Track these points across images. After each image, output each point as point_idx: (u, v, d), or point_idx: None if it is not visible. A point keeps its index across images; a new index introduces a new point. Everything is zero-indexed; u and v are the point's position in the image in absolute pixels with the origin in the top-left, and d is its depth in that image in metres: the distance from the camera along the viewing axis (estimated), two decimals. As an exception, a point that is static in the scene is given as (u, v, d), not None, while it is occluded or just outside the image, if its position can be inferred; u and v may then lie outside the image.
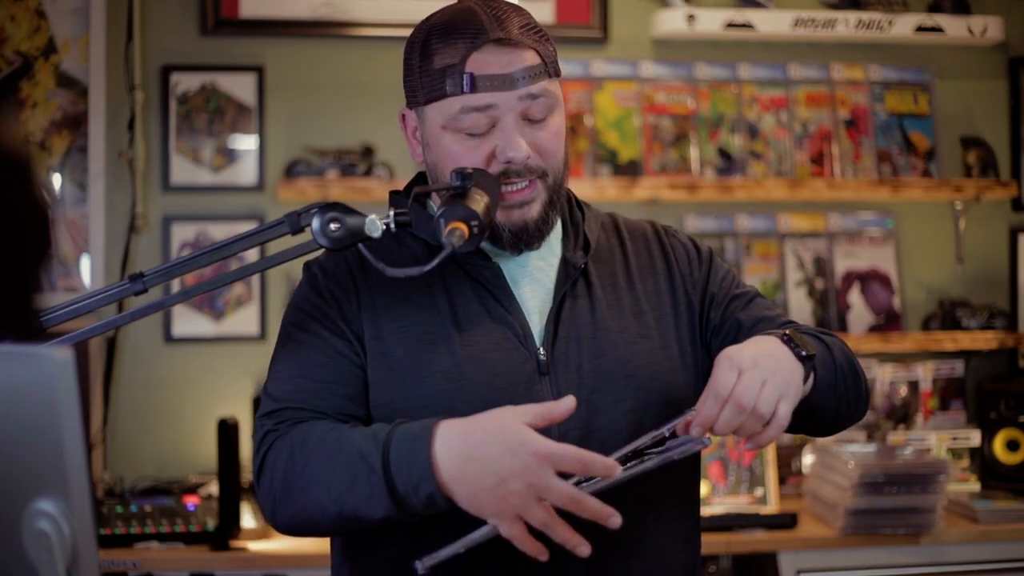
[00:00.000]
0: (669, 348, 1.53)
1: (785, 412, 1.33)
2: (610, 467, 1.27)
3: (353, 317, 1.49)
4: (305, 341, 1.49)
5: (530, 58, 1.46)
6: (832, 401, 1.48)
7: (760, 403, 1.31)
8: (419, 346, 1.46)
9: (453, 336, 1.47)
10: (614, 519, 1.26)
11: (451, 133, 1.46)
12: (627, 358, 1.49)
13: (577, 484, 1.29)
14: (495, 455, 1.27)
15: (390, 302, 1.50)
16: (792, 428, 1.51)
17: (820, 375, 1.44)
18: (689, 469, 1.56)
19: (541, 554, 1.28)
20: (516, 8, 1.51)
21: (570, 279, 1.53)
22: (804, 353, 1.39)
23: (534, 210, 1.49)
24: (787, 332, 1.40)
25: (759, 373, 1.32)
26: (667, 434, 1.35)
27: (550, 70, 1.48)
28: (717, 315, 1.57)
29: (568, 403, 1.31)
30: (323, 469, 1.36)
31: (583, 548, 1.27)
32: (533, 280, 1.53)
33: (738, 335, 1.54)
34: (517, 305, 1.50)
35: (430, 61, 1.46)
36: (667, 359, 1.52)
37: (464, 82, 1.43)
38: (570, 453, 1.27)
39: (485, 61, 1.44)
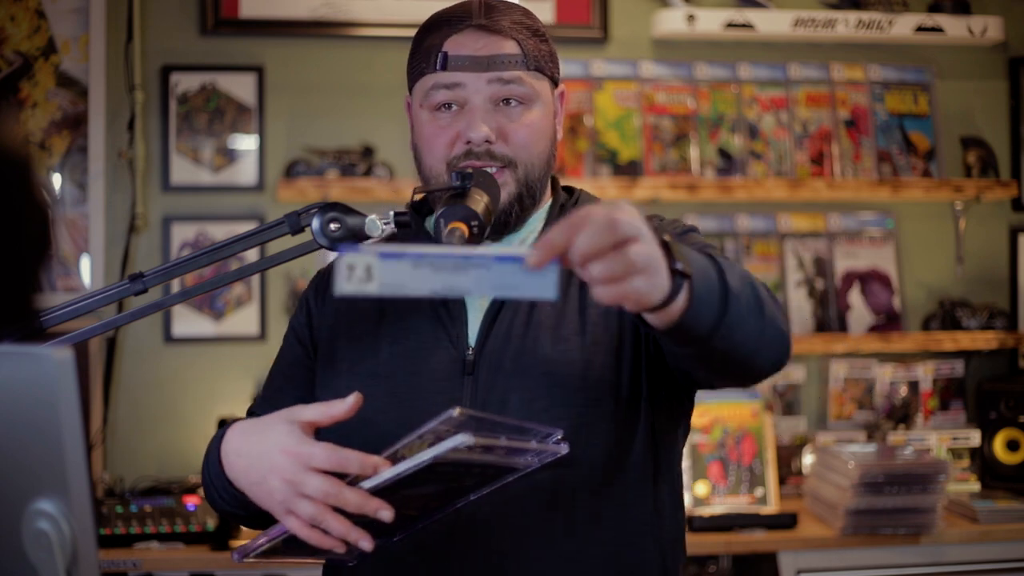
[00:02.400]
0: (605, 343, 1.46)
1: (644, 253, 1.09)
2: (367, 465, 1.24)
3: (317, 323, 1.59)
4: (281, 349, 1.64)
5: (508, 47, 1.49)
6: (725, 333, 1.24)
7: (624, 219, 1.08)
8: (351, 344, 1.53)
9: (383, 334, 1.51)
10: (383, 513, 1.23)
11: (427, 112, 1.50)
12: (551, 356, 1.45)
13: (353, 483, 1.26)
14: (257, 453, 1.32)
15: (350, 303, 1.54)
16: (688, 373, 1.40)
17: (699, 295, 1.20)
18: (628, 478, 1.45)
19: (336, 547, 1.27)
20: (520, 8, 1.53)
21: None
22: (679, 266, 1.16)
23: (500, 197, 1.46)
24: (666, 238, 1.16)
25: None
26: (435, 432, 1.25)
27: (529, 63, 1.49)
28: None
29: (350, 400, 1.31)
30: (203, 470, 1.51)
31: (364, 543, 1.25)
32: None
33: None
34: (463, 306, 1.50)
35: (419, 43, 1.52)
36: (599, 355, 1.45)
37: (438, 60, 1.48)
38: (321, 452, 1.26)
39: (461, 43, 1.48)
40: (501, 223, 1.49)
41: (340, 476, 1.26)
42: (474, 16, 1.49)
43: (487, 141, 1.46)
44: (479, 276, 1.06)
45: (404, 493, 1.26)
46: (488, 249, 1.07)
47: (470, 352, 1.47)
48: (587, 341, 1.46)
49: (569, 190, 1.62)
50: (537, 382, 1.44)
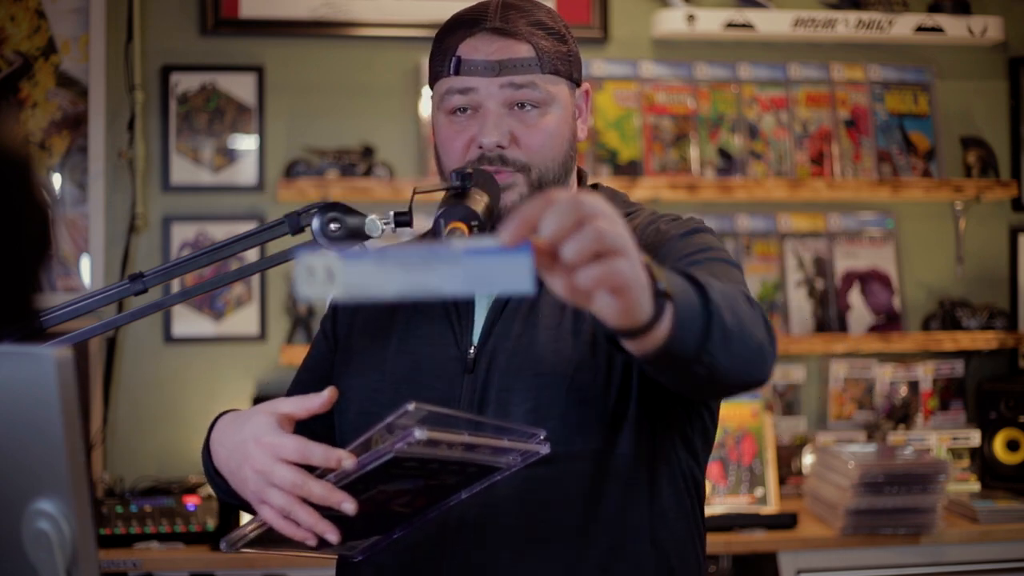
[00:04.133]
0: (599, 343, 1.43)
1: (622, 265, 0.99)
2: (329, 459, 1.24)
3: (342, 319, 1.61)
4: (311, 344, 1.68)
5: (522, 51, 1.48)
6: (707, 360, 1.17)
7: (601, 216, 0.98)
8: (364, 340, 1.56)
9: (394, 332, 1.53)
10: (346, 505, 1.24)
11: (444, 114, 1.51)
12: (542, 356, 1.44)
13: (323, 476, 1.27)
14: (235, 443, 1.34)
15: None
16: (667, 388, 1.33)
17: (682, 318, 1.12)
18: (621, 480, 1.43)
19: (308, 539, 1.28)
20: (543, 8, 1.53)
21: None
22: (662, 286, 1.08)
23: (508, 198, 1.46)
24: (645, 259, 1.07)
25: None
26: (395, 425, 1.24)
27: (543, 66, 1.49)
28: None
29: (325, 394, 1.33)
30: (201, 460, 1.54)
31: (330, 535, 1.27)
32: None
33: None
34: (471, 305, 1.50)
35: (438, 45, 1.53)
36: (592, 355, 1.43)
37: (451, 64, 1.49)
38: (290, 443, 1.28)
39: (474, 47, 1.48)
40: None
41: (314, 468, 1.27)
42: (490, 18, 1.49)
43: (499, 147, 1.46)
44: (448, 273, 0.96)
45: (382, 488, 1.26)
46: (457, 243, 0.99)
47: (472, 351, 1.48)
48: (581, 341, 1.44)
49: (592, 187, 1.63)
50: (528, 382, 1.43)
